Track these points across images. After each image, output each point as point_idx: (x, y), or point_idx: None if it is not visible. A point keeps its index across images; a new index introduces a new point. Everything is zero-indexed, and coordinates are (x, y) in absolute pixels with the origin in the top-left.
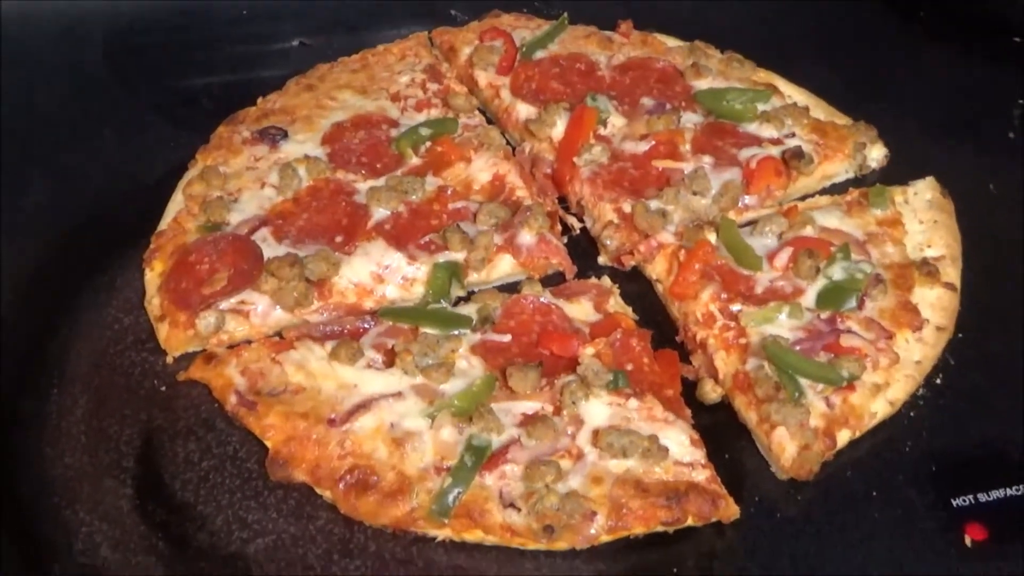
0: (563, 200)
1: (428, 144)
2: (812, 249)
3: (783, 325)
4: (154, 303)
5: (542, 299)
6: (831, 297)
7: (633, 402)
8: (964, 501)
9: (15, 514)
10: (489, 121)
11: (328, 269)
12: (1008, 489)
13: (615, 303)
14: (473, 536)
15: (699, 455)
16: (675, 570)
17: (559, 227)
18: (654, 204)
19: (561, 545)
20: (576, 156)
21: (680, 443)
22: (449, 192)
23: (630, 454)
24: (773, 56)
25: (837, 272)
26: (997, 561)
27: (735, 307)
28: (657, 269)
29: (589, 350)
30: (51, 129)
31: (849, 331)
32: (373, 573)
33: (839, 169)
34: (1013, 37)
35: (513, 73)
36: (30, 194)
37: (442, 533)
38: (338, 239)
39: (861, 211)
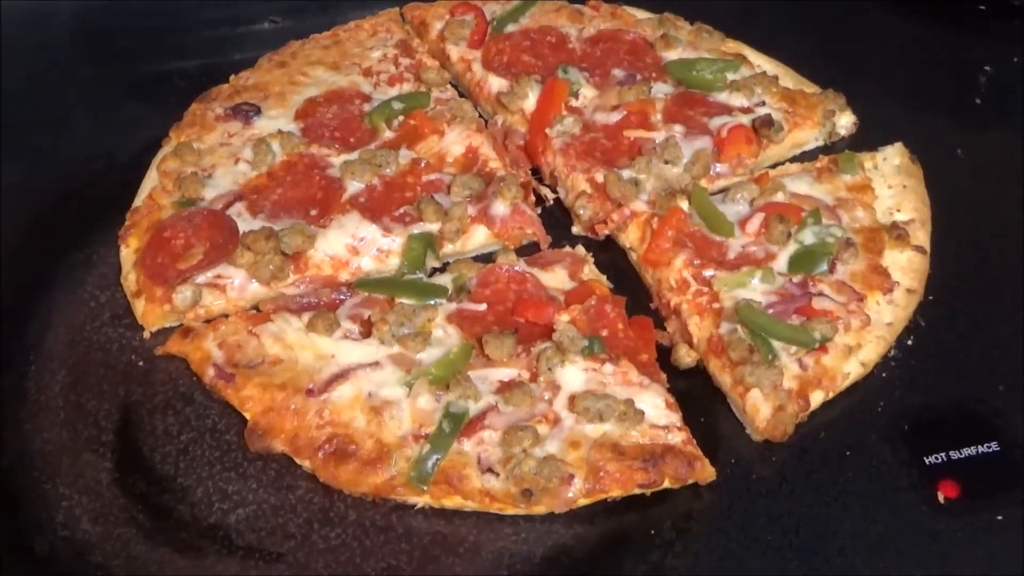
0: (536, 171)
1: (401, 118)
2: (783, 214)
3: (756, 289)
4: (130, 279)
5: (517, 268)
6: (802, 261)
7: (608, 367)
8: (936, 459)
9: None
10: (461, 95)
11: (303, 242)
12: (979, 446)
13: (589, 271)
14: (452, 502)
15: (675, 418)
16: (653, 532)
17: (533, 198)
18: (626, 173)
19: (540, 509)
20: (548, 128)
21: (656, 406)
22: (423, 165)
23: (606, 418)
24: (741, 27)
25: (808, 237)
26: (969, 517)
27: (708, 273)
28: (630, 237)
29: (564, 317)
30: (22, 109)
31: (821, 294)
32: (353, 541)
33: (809, 137)
34: (978, 5)
35: (484, 47)
36: (2, 174)
37: (421, 500)
38: (313, 212)
39: (831, 177)
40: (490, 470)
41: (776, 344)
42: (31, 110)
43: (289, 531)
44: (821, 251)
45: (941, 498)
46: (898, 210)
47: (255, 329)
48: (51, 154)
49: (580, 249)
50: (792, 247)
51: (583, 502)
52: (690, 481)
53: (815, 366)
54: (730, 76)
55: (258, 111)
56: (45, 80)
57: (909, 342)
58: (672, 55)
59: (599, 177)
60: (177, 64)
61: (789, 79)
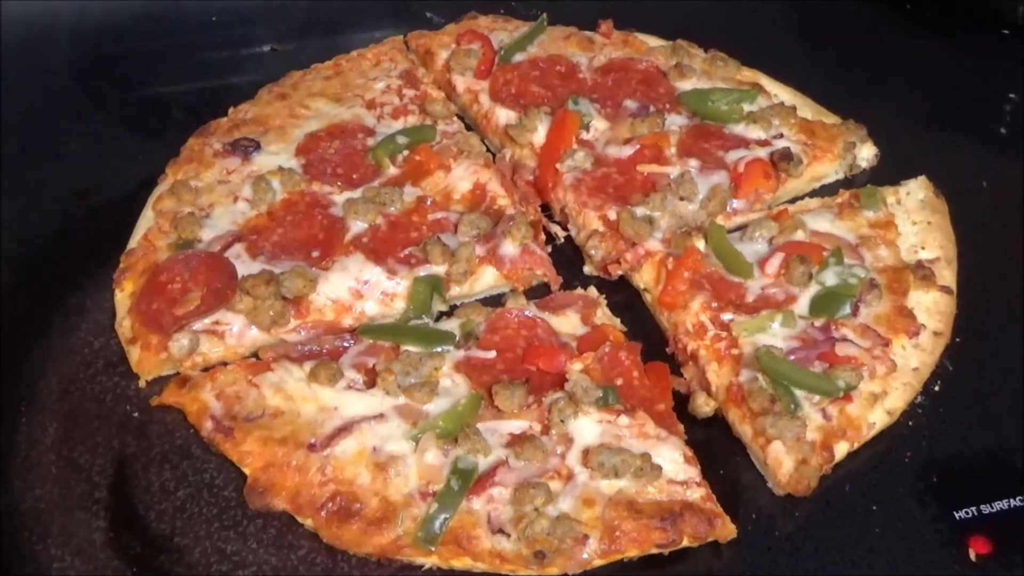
0: (546, 208)
1: (406, 153)
2: (804, 254)
3: (776, 334)
4: (125, 325)
5: (527, 313)
6: (825, 304)
7: (624, 419)
8: (967, 513)
9: None
10: (468, 127)
11: (305, 286)
12: (1011, 500)
13: (602, 315)
14: (461, 563)
15: (693, 473)
16: None
17: (543, 236)
18: (640, 211)
19: (553, 571)
20: (558, 162)
21: (673, 460)
22: (428, 202)
23: (622, 473)
24: (757, 54)
25: (830, 277)
26: (1003, 574)
27: (726, 316)
28: (645, 278)
29: (577, 365)
30: (14, 142)
31: (844, 339)
32: None
33: (829, 170)
34: (1002, 29)
35: (492, 77)
36: None
37: (429, 561)
38: (315, 254)
39: (852, 213)
40: (501, 530)
41: (798, 393)
42: (25, 140)
43: None
44: (844, 293)
45: (972, 555)
46: (923, 248)
47: (255, 379)
48: (43, 190)
49: (592, 290)
50: (813, 289)
51: (598, 563)
52: (710, 539)
53: (839, 416)
54: (746, 107)
55: (258, 146)
56: (39, 109)
57: (936, 388)
58: (686, 85)
59: (612, 214)
60: (174, 92)
61: (807, 109)
